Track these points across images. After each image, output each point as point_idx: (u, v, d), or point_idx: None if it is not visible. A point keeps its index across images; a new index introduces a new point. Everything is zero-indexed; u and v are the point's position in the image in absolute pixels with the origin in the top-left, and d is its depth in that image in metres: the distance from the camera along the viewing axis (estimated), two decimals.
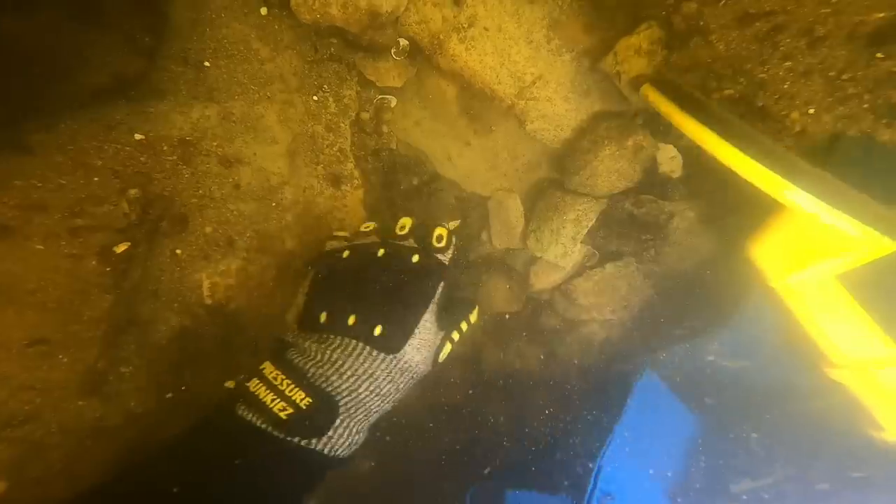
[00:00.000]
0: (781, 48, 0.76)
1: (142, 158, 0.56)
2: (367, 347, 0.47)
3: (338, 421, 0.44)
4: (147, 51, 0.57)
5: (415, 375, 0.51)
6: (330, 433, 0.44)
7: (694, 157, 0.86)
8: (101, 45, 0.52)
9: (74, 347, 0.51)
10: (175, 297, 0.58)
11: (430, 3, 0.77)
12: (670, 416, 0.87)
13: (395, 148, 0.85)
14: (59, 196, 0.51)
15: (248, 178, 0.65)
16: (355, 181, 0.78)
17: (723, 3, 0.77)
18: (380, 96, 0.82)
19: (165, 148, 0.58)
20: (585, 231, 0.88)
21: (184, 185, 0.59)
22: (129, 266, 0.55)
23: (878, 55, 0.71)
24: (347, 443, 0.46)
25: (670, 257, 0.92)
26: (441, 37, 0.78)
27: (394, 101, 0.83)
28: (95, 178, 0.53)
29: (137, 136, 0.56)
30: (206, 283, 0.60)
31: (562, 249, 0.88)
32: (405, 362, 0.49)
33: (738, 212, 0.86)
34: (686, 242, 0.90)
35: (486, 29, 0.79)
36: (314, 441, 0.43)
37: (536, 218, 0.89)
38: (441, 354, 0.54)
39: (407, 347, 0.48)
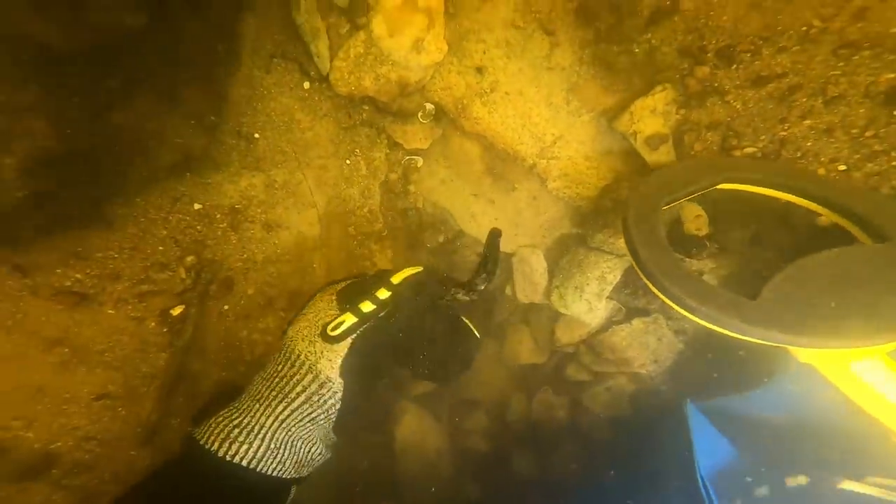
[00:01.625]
0: (798, 107, 0.80)
1: (198, 227, 0.65)
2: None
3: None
4: (211, 128, 0.67)
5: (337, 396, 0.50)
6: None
7: (721, 215, 0.89)
8: (177, 126, 0.62)
9: (132, 401, 0.58)
10: (221, 353, 0.65)
11: (454, 72, 0.86)
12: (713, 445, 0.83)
13: (421, 207, 0.93)
14: (130, 265, 0.60)
15: (286, 241, 0.74)
16: (384, 241, 0.85)
17: (735, 66, 0.83)
18: (407, 157, 0.90)
19: (218, 216, 0.66)
20: (610, 288, 0.91)
21: (231, 250, 0.67)
22: (183, 327, 0.63)
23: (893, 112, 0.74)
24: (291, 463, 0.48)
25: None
26: (465, 101, 0.86)
27: (420, 162, 0.91)
28: (160, 248, 0.62)
29: (196, 206, 0.65)
30: (245, 340, 0.67)
31: (586, 306, 0.91)
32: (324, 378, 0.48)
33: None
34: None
35: (507, 93, 0.87)
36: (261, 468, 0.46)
37: (560, 275, 0.93)
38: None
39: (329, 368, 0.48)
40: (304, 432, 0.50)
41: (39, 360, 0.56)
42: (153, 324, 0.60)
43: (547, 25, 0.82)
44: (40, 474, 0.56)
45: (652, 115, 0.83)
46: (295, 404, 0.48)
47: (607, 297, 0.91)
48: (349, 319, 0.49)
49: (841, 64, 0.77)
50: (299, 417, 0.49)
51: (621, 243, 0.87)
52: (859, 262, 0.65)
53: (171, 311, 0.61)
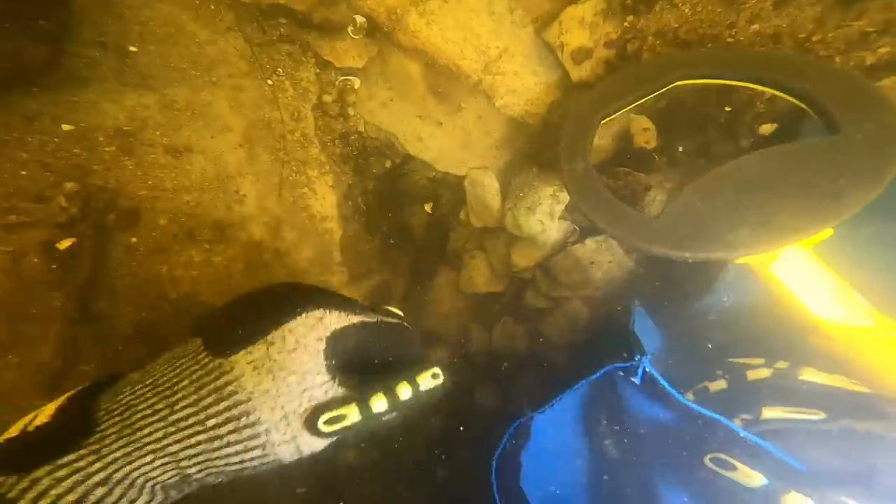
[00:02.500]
0: (747, 10, 0.79)
1: (75, 150, 0.56)
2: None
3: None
4: (49, 37, 0.56)
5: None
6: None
7: (669, 127, 0.89)
8: None
9: (23, 347, 0.52)
10: (135, 291, 0.59)
11: None
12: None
13: (363, 131, 0.86)
14: None
15: (201, 167, 0.66)
16: (324, 166, 0.79)
17: None
18: (342, 77, 0.82)
19: (101, 138, 0.58)
20: (562, 207, 0.91)
21: (128, 177, 0.59)
22: (77, 262, 0.56)
23: (849, 15, 0.74)
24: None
25: None
26: (399, 11, 0.79)
27: (357, 83, 0.84)
28: (23, 172, 0.53)
29: (66, 127, 0.56)
30: (167, 277, 0.61)
31: (539, 226, 0.91)
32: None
33: None
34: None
35: (445, 1, 0.80)
36: None
37: (512, 195, 0.91)
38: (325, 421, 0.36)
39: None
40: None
41: None
42: (35, 259, 0.53)
43: None
44: None
45: (580, 27, 0.79)
46: (220, 462, 0.35)
47: (560, 217, 0.90)
48: (352, 416, 0.36)
49: None
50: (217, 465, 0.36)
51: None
52: (765, 165, 0.66)
53: (58, 245, 0.54)
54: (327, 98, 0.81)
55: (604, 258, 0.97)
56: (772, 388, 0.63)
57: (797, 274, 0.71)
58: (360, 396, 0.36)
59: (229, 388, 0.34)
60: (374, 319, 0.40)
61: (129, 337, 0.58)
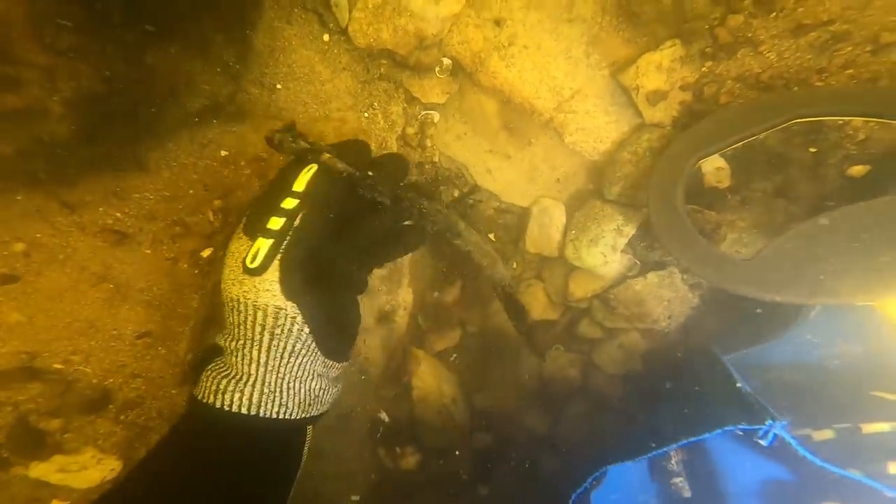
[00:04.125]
0: (841, 56, 0.77)
1: (224, 172, 0.68)
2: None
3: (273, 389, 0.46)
4: (236, 77, 0.69)
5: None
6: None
7: (744, 167, 0.88)
8: (202, 71, 0.64)
9: (170, 341, 0.63)
10: None
11: (472, 25, 0.85)
12: None
13: (437, 161, 0.94)
14: (165, 207, 0.63)
15: None
16: None
17: (773, 15, 0.79)
18: (424, 112, 0.91)
19: (242, 163, 0.69)
20: (625, 241, 0.91)
21: (251, 197, 0.71)
22: (212, 269, 0.66)
23: None
24: (297, 402, 0.47)
25: None
26: (482, 55, 0.86)
27: (437, 117, 0.92)
28: (191, 191, 0.65)
29: (223, 153, 0.68)
30: None
31: (601, 259, 0.92)
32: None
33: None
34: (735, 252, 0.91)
35: (525, 47, 0.86)
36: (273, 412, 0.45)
37: (575, 227, 0.93)
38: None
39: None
40: (293, 369, 0.48)
41: (90, 295, 0.60)
42: (185, 265, 0.64)
43: None
44: (102, 409, 0.61)
45: (656, 71, 0.81)
46: (265, 344, 0.46)
47: (622, 251, 0.91)
48: (264, 245, 0.46)
49: None
50: (276, 355, 0.47)
51: (638, 195, 0.88)
52: (875, 214, 0.64)
53: (201, 253, 0.64)
54: (410, 130, 0.90)
55: (665, 293, 0.96)
56: (886, 442, 0.61)
57: None
58: (262, 230, 0.49)
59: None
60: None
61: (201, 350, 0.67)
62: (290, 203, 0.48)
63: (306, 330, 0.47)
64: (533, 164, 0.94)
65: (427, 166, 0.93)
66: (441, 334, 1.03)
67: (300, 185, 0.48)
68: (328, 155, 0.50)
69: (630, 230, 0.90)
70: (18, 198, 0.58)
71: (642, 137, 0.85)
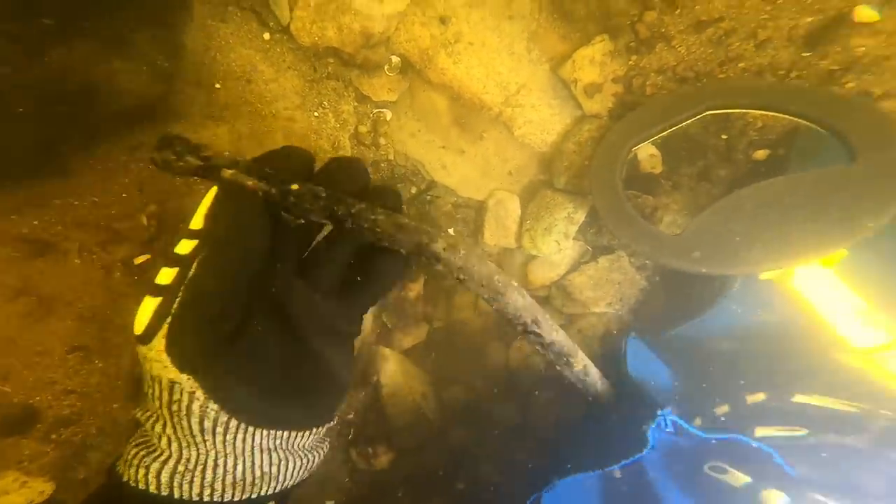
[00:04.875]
0: (733, 50, 0.88)
1: (161, 176, 0.64)
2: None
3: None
4: (166, 76, 0.65)
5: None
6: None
7: (673, 153, 0.97)
8: (127, 72, 0.60)
9: (109, 353, 0.57)
10: None
11: (418, 23, 0.87)
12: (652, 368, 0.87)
13: (392, 159, 0.94)
14: (93, 213, 0.57)
15: None
16: None
17: (678, 11, 0.89)
18: (376, 110, 0.91)
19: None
20: (576, 227, 0.97)
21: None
22: (151, 277, 0.61)
23: (815, 55, 0.82)
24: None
25: None
26: (430, 52, 0.88)
27: (389, 115, 0.92)
28: (123, 195, 0.60)
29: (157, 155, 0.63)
30: None
31: (555, 246, 0.96)
32: None
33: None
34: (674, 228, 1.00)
35: (470, 44, 0.89)
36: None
37: (529, 217, 0.97)
38: None
39: None
40: (217, 446, 0.38)
41: (6, 310, 0.53)
42: (119, 274, 0.58)
43: None
44: (27, 429, 0.54)
45: (590, 65, 0.88)
46: (168, 419, 0.38)
47: (574, 238, 0.96)
48: (149, 305, 0.36)
49: (768, 8, 0.84)
50: (185, 433, 0.38)
51: (584, 183, 0.93)
52: (783, 190, 0.73)
53: (135, 261, 0.59)
54: (363, 129, 0.89)
55: (616, 276, 1.02)
56: (766, 410, 0.68)
57: (818, 290, 0.75)
58: (147, 286, 0.36)
59: None
60: None
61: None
62: (184, 247, 0.36)
63: (213, 406, 0.37)
64: (486, 159, 0.97)
65: (382, 164, 0.93)
66: (407, 331, 1.02)
67: (197, 219, 0.37)
68: (230, 171, 0.37)
69: (580, 217, 0.95)
70: None
71: (583, 128, 0.91)
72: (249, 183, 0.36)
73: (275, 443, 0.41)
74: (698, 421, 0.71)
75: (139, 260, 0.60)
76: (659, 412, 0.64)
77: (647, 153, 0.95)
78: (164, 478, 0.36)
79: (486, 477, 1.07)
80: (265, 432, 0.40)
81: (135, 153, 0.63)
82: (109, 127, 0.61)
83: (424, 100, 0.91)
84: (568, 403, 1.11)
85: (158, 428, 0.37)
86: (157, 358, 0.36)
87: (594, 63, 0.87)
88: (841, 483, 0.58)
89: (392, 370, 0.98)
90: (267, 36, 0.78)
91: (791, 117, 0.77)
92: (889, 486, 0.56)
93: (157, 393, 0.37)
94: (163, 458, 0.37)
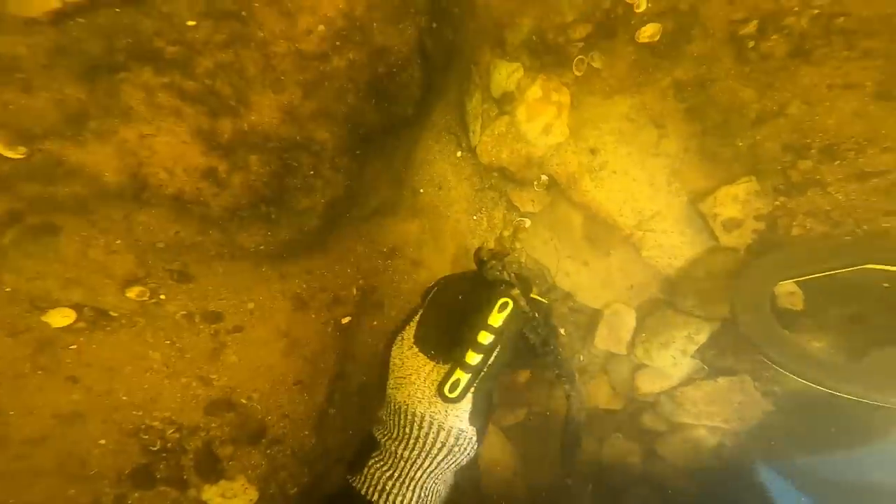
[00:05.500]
0: None
1: (372, 257, 0.85)
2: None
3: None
4: (399, 183, 0.87)
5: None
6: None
7: (815, 293, 0.94)
8: (383, 178, 0.81)
9: (313, 390, 0.77)
10: (366, 360, 0.84)
11: (570, 151, 1.01)
12: None
13: (523, 261, 1.08)
14: (332, 281, 0.81)
15: (424, 277, 0.93)
16: None
17: (838, 162, 0.89)
18: (519, 218, 1.07)
19: (384, 250, 0.86)
20: (696, 347, 0.99)
21: (386, 279, 0.88)
22: (346, 334, 0.82)
23: None
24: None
25: (792, 382, 0.96)
26: (576, 176, 1.01)
27: (528, 223, 1.07)
28: (347, 270, 0.82)
29: (372, 242, 0.85)
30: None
31: (671, 360, 1.00)
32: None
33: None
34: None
35: (614, 172, 1.00)
36: None
37: (646, 331, 1.02)
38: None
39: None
40: (447, 477, 0.54)
41: (275, 345, 0.77)
42: (331, 329, 0.80)
43: (658, 120, 0.95)
44: (258, 441, 0.76)
45: (733, 202, 0.92)
46: (439, 458, 0.52)
47: (692, 356, 0.99)
48: (462, 377, 0.50)
49: None
50: (445, 467, 0.53)
51: (710, 309, 0.96)
52: None
53: (342, 320, 0.81)
54: (506, 233, 1.05)
55: (736, 397, 1.01)
56: None
57: None
58: (459, 362, 0.50)
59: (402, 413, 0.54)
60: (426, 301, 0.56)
61: (353, 394, 0.81)
62: (485, 338, 0.50)
63: (475, 447, 0.54)
64: (608, 272, 1.05)
65: (514, 265, 1.08)
66: (510, 410, 1.13)
67: (496, 321, 0.50)
68: (517, 292, 0.52)
69: (701, 338, 0.98)
70: (263, 269, 0.77)
71: (717, 258, 0.95)
72: (524, 305, 0.52)
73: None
74: None
75: (345, 320, 0.82)
76: None
77: (786, 290, 0.94)
78: (411, 500, 0.52)
79: None
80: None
81: (360, 240, 0.86)
82: (358, 219, 0.84)
83: (562, 215, 1.04)
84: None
85: (421, 461, 0.53)
86: (458, 415, 0.52)
87: (737, 200, 0.92)
88: None
89: (492, 443, 1.09)
90: (459, 154, 1.00)
91: None
92: None
93: (441, 437, 0.52)
94: (412, 485, 0.52)
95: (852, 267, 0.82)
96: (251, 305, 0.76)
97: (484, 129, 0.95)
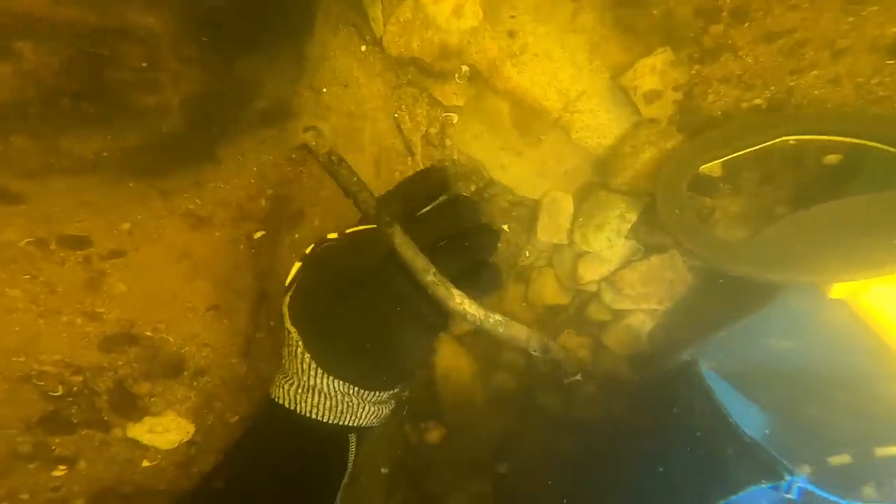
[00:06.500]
0: (806, 59, 0.88)
1: (280, 168, 0.78)
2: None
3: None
4: (292, 80, 0.80)
5: None
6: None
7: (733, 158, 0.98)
8: (268, 76, 0.74)
9: (232, 314, 0.71)
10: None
11: (488, 37, 0.96)
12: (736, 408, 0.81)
13: (456, 158, 1.04)
14: (232, 195, 0.73)
15: None
16: None
17: (747, 24, 0.91)
18: (444, 114, 1.02)
19: (294, 157, 0.80)
20: (629, 226, 1.01)
21: (302, 187, 0.81)
22: (261, 250, 0.76)
23: None
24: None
25: None
26: (497, 62, 0.97)
27: (455, 118, 1.02)
28: (251, 181, 0.75)
29: (278, 148, 0.78)
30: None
31: (606, 243, 1.01)
32: None
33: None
34: (729, 235, 1.01)
35: (535, 55, 0.97)
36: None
37: (583, 215, 1.03)
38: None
39: None
40: (318, 381, 0.51)
41: (173, 269, 0.69)
42: (242, 246, 0.73)
43: None
44: (179, 374, 0.70)
45: (651, 73, 0.93)
46: (288, 355, 0.52)
47: (626, 237, 1.00)
48: (294, 268, 0.52)
49: (850, 19, 0.84)
50: (295, 367, 0.51)
51: (639, 184, 0.97)
52: (863, 207, 0.74)
53: (254, 235, 0.74)
54: (432, 130, 1.00)
55: (667, 274, 1.05)
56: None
57: (889, 306, 0.73)
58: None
59: None
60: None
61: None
62: (333, 235, 0.52)
63: (307, 357, 0.50)
64: (543, 160, 1.04)
65: (447, 163, 1.03)
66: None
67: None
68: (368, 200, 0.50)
69: (632, 216, 0.99)
70: (130, 185, 0.68)
71: (640, 132, 0.96)
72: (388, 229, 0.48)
73: (350, 390, 0.53)
74: (807, 468, 0.66)
75: (258, 234, 0.75)
76: (788, 477, 0.59)
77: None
78: (291, 394, 0.50)
79: (527, 464, 1.13)
80: (342, 382, 0.52)
81: (263, 146, 0.78)
82: (250, 123, 0.76)
83: (489, 105, 1.01)
84: (611, 400, 1.14)
85: (287, 362, 0.51)
86: (284, 311, 0.51)
87: (655, 71, 0.92)
88: None
89: (446, 352, 1.08)
90: (364, 48, 0.92)
91: (872, 143, 0.77)
92: None
93: (286, 335, 0.51)
94: (288, 381, 0.51)
95: (769, 142, 0.85)
96: (126, 226, 0.67)
97: (387, 16, 0.87)
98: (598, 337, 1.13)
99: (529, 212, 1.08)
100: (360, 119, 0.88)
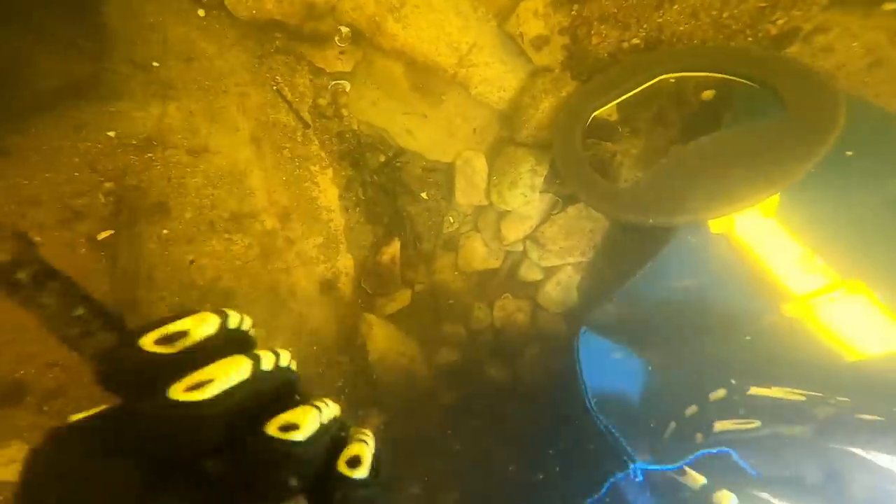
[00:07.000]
0: None
1: (118, 153, 0.63)
2: None
3: None
4: (93, 55, 0.65)
5: None
6: None
7: (626, 104, 1.00)
8: (44, 52, 0.59)
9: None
10: (170, 279, 0.64)
11: None
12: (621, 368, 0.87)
13: (357, 129, 0.95)
14: (47, 191, 0.56)
15: (217, 165, 0.73)
16: (324, 162, 0.86)
17: None
18: (333, 82, 0.91)
19: (134, 142, 0.65)
20: (541, 179, 1.00)
21: (157, 176, 0.66)
22: (116, 252, 0.61)
23: None
24: None
25: None
26: (377, 19, 0.89)
27: (347, 86, 0.93)
28: (76, 174, 0.59)
29: (110, 134, 0.63)
30: (196, 266, 0.66)
31: (522, 199, 0.99)
32: None
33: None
34: (632, 178, 1.04)
35: (416, 6, 0.90)
36: None
37: (496, 173, 1.00)
38: None
39: None
40: None
41: None
42: (83, 250, 0.58)
43: None
44: (18, 401, 0.54)
45: (535, 18, 0.91)
46: None
47: (541, 191, 0.99)
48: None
49: None
50: None
51: (544, 136, 0.96)
52: (721, 143, 0.78)
53: (97, 237, 0.59)
54: (322, 101, 0.90)
55: (586, 224, 1.06)
56: (725, 405, 0.70)
57: (760, 239, 0.77)
58: None
59: None
60: None
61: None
62: None
63: None
64: (449, 121, 0.98)
65: (348, 135, 0.94)
66: (390, 297, 1.03)
67: None
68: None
69: (543, 169, 0.98)
70: None
71: (537, 81, 0.94)
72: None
73: None
74: (673, 424, 0.72)
75: (101, 235, 0.60)
76: (631, 466, 0.62)
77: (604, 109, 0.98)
78: None
79: (480, 436, 1.09)
80: None
81: (80, 132, 0.62)
82: (39, 107, 0.60)
83: (380, 68, 0.92)
84: (553, 358, 1.14)
85: None
86: None
87: (538, 15, 0.90)
88: (787, 477, 0.59)
89: (377, 336, 0.99)
90: (201, 13, 0.78)
91: (736, 78, 0.82)
92: (826, 477, 0.57)
93: None
94: None
95: (650, 81, 0.88)
96: None
97: None
98: (534, 298, 1.12)
99: (445, 176, 1.03)
100: (221, 96, 0.75)
